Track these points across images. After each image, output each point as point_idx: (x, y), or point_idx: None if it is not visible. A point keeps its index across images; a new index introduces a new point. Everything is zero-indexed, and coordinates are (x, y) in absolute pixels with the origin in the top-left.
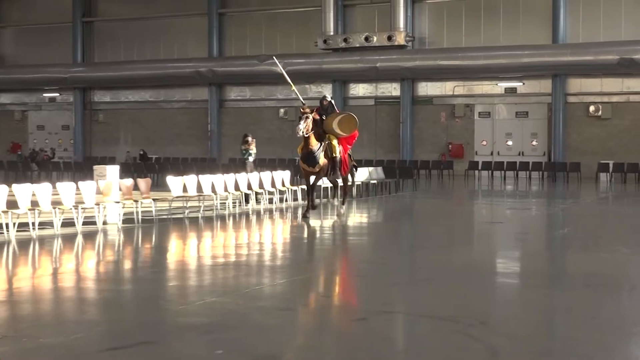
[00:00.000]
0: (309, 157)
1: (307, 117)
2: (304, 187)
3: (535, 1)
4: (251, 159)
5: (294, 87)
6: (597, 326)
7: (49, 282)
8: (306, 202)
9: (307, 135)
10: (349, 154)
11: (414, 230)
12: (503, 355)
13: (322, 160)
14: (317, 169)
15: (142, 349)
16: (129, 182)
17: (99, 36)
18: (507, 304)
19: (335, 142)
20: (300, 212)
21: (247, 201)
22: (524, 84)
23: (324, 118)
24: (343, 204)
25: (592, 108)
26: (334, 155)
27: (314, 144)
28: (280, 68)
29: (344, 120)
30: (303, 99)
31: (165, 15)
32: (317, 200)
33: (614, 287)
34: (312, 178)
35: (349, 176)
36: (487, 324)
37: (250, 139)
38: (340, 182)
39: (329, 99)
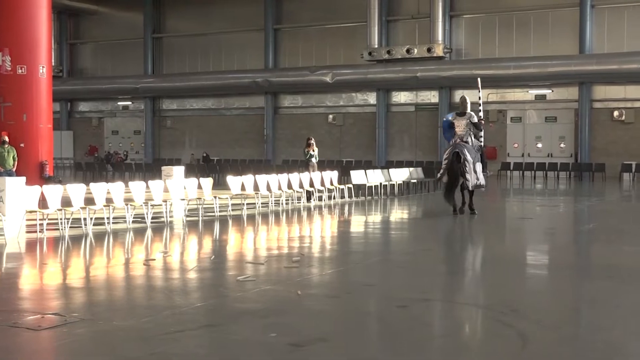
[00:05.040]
0: None
1: None
2: None
3: (563, 14)
4: (314, 160)
5: None
6: (621, 314)
7: (122, 271)
8: None
9: None
10: None
11: (451, 225)
12: (533, 341)
13: None
14: None
15: (204, 332)
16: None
17: (167, 50)
18: (537, 293)
19: None
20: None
21: (309, 198)
22: (552, 91)
23: None
24: None
25: (616, 113)
26: None
27: None
28: None
29: None
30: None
31: (226, 31)
32: None
33: (636, 277)
34: None
35: None
36: (518, 312)
37: (312, 141)
38: None
39: None
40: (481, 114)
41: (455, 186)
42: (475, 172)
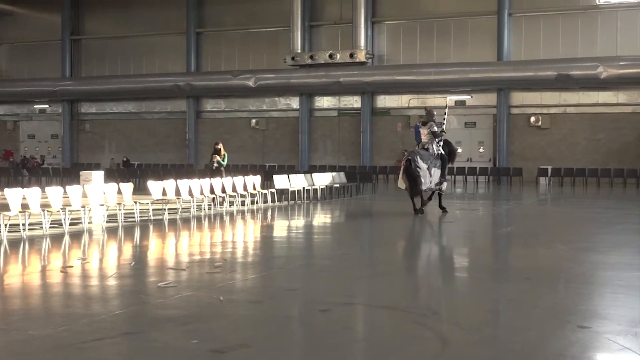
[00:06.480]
0: None
1: None
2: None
3: (482, 22)
4: (216, 164)
5: None
6: (537, 315)
7: (38, 279)
8: None
9: None
10: None
11: (373, 229)
12: (453, 343)
13: None
14: None
15: (124, 340)
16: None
17: (86, 53)
18: (457, 296)
19: None
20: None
21: (222, 203)
22: (472, 97)
23: None
24: None
25: (532, 119)
26: None
27: None
28: None
29: None
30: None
31: (148, 34)
32: None
33: (551, 279)
34: None
35: None
36: (439, 314)
37: (220, 147)
38: None
39: None
40: (444, 127)
41: (416, 186)
42: (430, 175)
